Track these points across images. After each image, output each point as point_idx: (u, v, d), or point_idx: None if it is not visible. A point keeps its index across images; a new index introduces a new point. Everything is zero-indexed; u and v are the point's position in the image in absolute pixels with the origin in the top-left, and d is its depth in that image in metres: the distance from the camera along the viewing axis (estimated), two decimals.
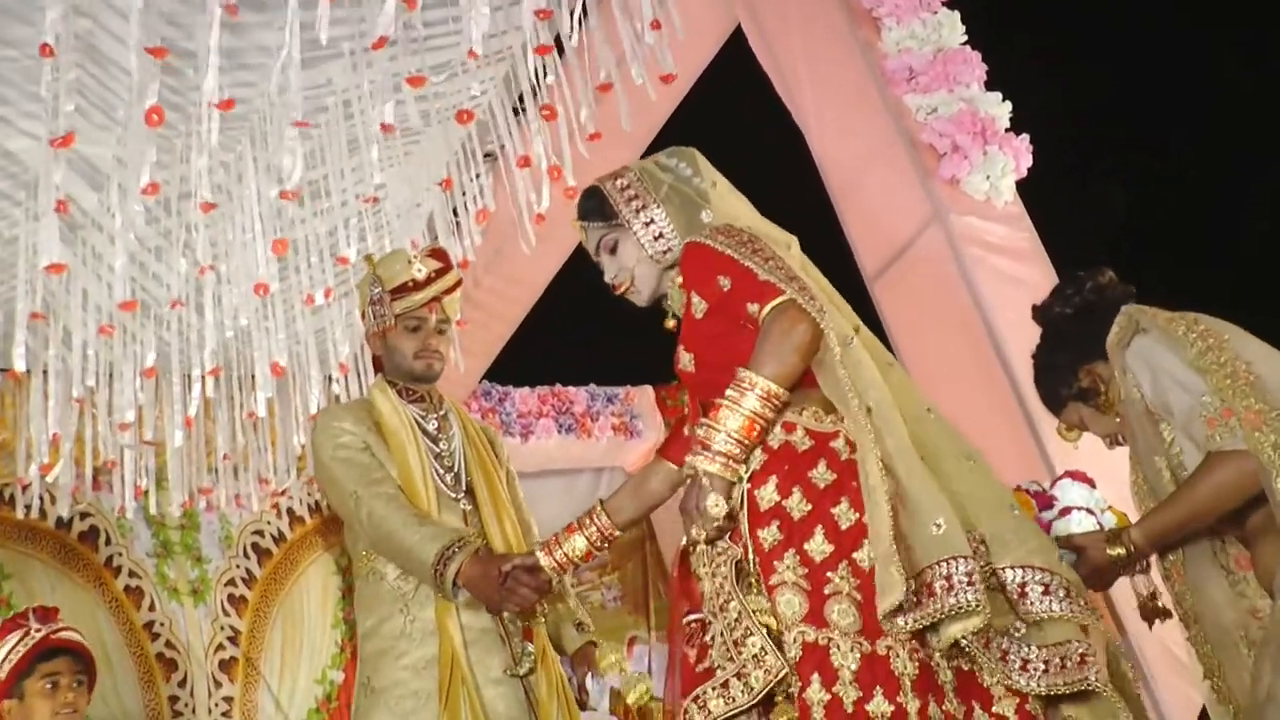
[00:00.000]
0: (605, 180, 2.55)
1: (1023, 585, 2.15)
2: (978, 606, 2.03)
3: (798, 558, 2.11)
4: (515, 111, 4.65)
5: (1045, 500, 2.58)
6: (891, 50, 3.96)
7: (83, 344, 4.53)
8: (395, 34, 4.11)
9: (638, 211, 2.45)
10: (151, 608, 5.51)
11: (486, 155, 5.03)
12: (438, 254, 3.25)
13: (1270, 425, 2.23)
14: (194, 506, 5.44)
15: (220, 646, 5.63)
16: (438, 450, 3.09)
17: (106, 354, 4.87)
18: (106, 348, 4.84)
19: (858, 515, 2.12)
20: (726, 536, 2.18)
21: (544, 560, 2.72)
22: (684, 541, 2.24)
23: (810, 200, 4.25)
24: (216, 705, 5.55)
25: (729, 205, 2.46)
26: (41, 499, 5.01)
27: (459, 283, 3.23)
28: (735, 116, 4.60)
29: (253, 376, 4.92)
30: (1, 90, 4.24)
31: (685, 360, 2.41)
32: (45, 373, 4.71)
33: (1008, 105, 3.98)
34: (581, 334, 6.47)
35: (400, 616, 2.93)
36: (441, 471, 3.06)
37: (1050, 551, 2.24)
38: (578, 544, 2.70)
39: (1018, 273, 3.81)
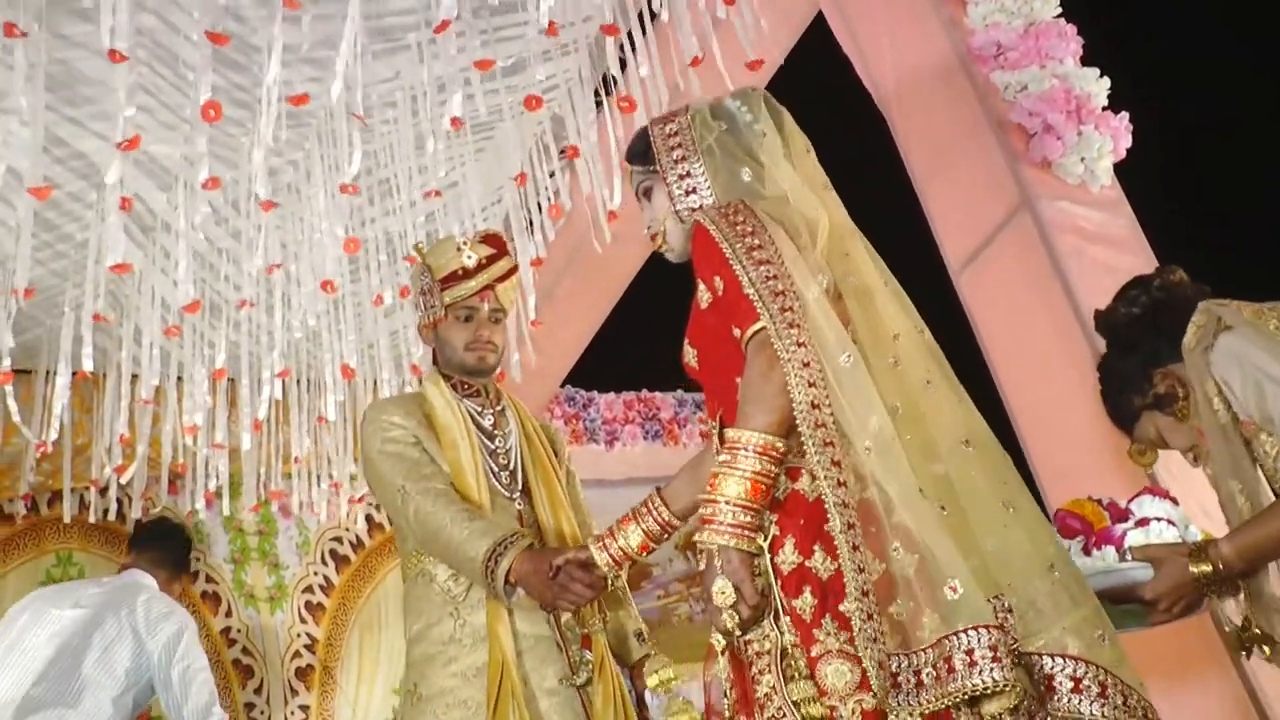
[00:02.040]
0: (657, 122, 2.36)
1: (1050, 677, 1.85)
2: (1005, 685, 1.76)
3: (835, 622, 1.90)
4: (597, 103, 4.51)
5: (1120, 513, 2.27)
6: (978, 25, 3.70)
7: (149, 345, 4.48)
8: (462, 22, 4.03)
9: (676, 162, 2.27)
10: (228, 613, 5.47)
11: (561, 152, 4.89)
12: (490, 239, 3.09)
13: None
14: (267, 510, 5.38)
15: (297, 654, 5.57)
16: (493, 447, 2.94)
17: (178, 355, 4.84)
18: (178, 349, 4.82)
19: (883, 565, 1.88)
20: (764, 620, 1.94)
21: (598, 555, 2.49)
22: (715, 638, 1.98)
23: (893, 187, 4.02)
24: (293, 714, 5.48)
25: (774, 164, 2.22)
26: (120, 502, 5.00)
27: (514, 269, 3.07)
28: (817, 102, 4.37)
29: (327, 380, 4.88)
30: (72, 90, 4.20)
31: (689, 355, 2.23)
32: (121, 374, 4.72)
33: (1105, 82, 3.68)
34: (669, 338, 6.23)
35: (450, 620, 2.76)
36: (496, 469, 2.91)
37: (1096, 624, 1.90)
38: (633, 536, 2.47)
39: (1116, 263, 3.50)
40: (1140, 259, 3.55)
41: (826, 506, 1.89)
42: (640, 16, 4.31)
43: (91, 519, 4.92)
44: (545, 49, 4.46)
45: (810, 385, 1.93)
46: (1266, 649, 2.20)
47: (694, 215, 2.20)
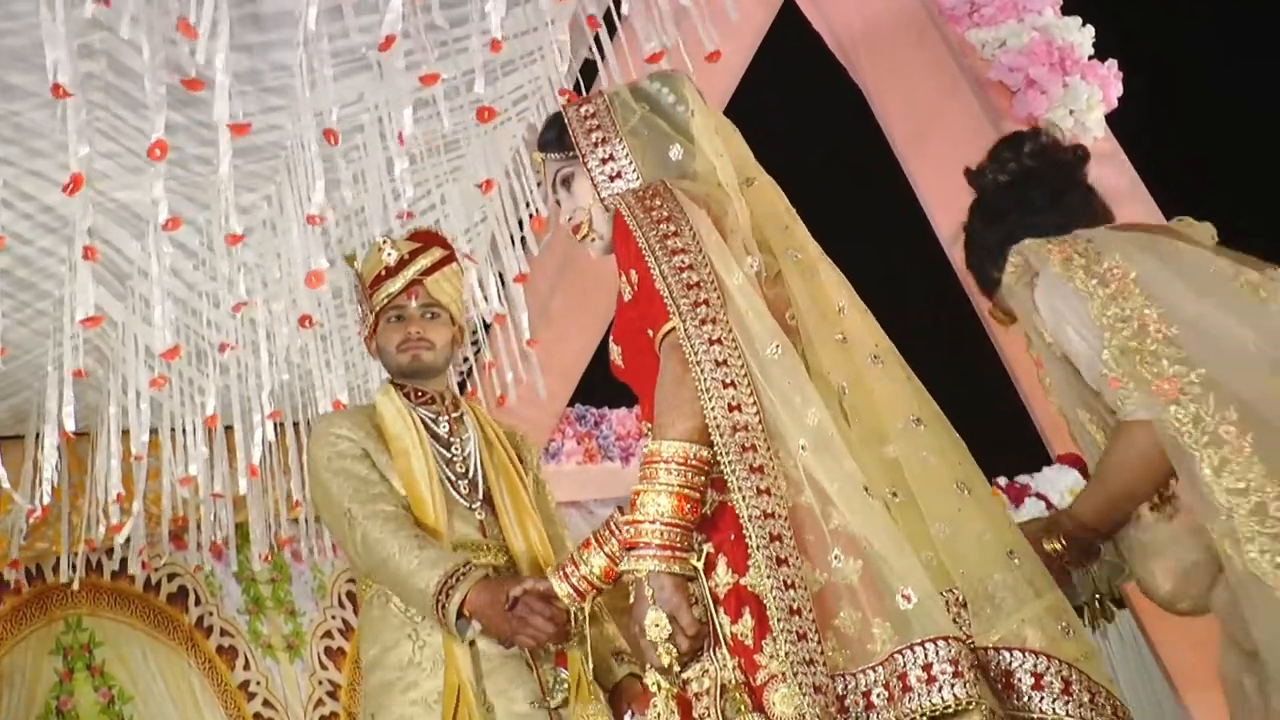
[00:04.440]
0: (571, 107, 2.22)
1: (1009, 673, 1.68)
2: (969, 702, 1.60)
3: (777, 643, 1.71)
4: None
5: (1017, 492, 2.11)
6: None
7: (136, 396, 4.37)
8: (418, 36, 3.91)
9: (596, 145, 2.12)
10: (246, 666, 5.33)
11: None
12: (418, 235, 2.96)
13: (1189, 393, 1.77)
14: (278, 557, 5.25)
15: (320, 702, 5.41)
16: (449, 455, 2.79)
17: (168, 405, 4.73)
18: (168, 399, 4.70)
19: (825, 575, 1.71)
20: (703, 653, 1.76)
21: (558, 586, 2.21)
22: (651, 678, 1.79)
23: (880, 164, 3.85)
24: None
25: (705, 140, 2.08)
26: (126, 562, 4.88)
27: (445, 260, 2.90)
28: (795, 84, 4.21)
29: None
30: (31, 143, 4.11)
31: (615, 353, 2.09)
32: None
33: (1090, 30, 3.51)
34: None
35: (409, 643, 2.58)
36: (454, 477, 2.76)
37: (1060, 615, 1.74)
38: (595, 562, 2.17)
39: (1117, 218, 3.33)
40: (1143, 210, 3.38)
41: (741, 520, 1.72)
42: (607, 15, 4.18)
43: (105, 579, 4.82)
44: (509, 59, 4.34)
45: (726, 386, 1.78)
46: (1113, 614, 2.06)
47: (616, 200, 2.05)
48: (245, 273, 4.50)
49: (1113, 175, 3.41)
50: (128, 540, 4.65)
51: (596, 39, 4.12)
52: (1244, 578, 1.74)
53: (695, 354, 1.80)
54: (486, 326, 5.01)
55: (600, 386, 6.04)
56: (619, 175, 2.10)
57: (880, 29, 3.62)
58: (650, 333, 1.90)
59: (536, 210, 4.50)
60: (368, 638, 2.67)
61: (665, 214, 1.95)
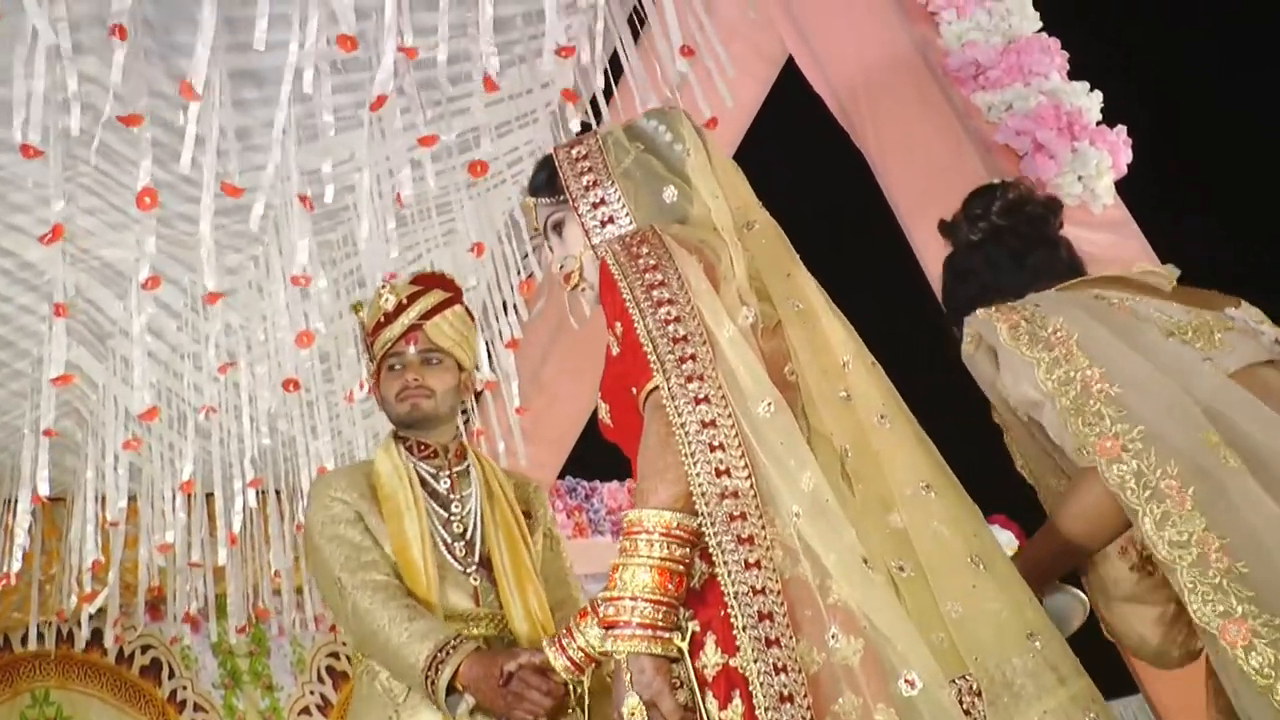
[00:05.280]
0: (563, 148, 2.08)
1: None
2: None
3: None
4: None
5: None
6: (953, 45, 3.45)
7: (114, 460, 4.24)
8: (412, 96, 3.83)
9: (588, 189, 1.98)
10: None
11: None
12: (420, 278, 2.82)
13: (1131, 450, 1.77)
14: (257, 629, 5.07)
15: None
16: (447, 515, 2.63)
17: (148, 470, 4.59)
18: (147, 463, 4.57)
19: (823, 655, 1.56)
20: None
21: (555, 659, 2.01)
22: None
23: (883, 232, 3.75)
24: None
25: (702, 181, 1.95)
26: (99, 633, 4.71)
27: (447, 302, 2.75)
28: (793, 145, 4.13)
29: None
30: (12, 197, 4.01)
31: (603, 411, 1.92)
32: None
33: (1097, 95, 3.41)
34: None
35: None
36: (450, 539, 2.59)
37: (1088, 705, 1.61)
38: (593, 633, 1.95)
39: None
40: None
41: (725, 595, 1.57)
42: (606, 75, 4.11)
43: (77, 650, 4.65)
44: (504, 120, 4.27)
45: (713, 448, 1.63)
46: None
47: (603, 249, 1.91)
48: (230, 334, 4.39)
49: (1123, 243, 3.30)
50: (102, 611, 4.49)
51: (593, 101, 4.04)
52: (1198, 629, 1.74)
53: (680, 414, 1.66)
54: (477, 394, 4.89)
55: (592, 458, 5.90)
56: (611, 220, 1.96)
57: (883, 90, 3.53)
58: (634, 390, 1.76)
59: (531, 273, 4.40)
60: (351, 714, 2.55)
61: (652, 261, 1.81)
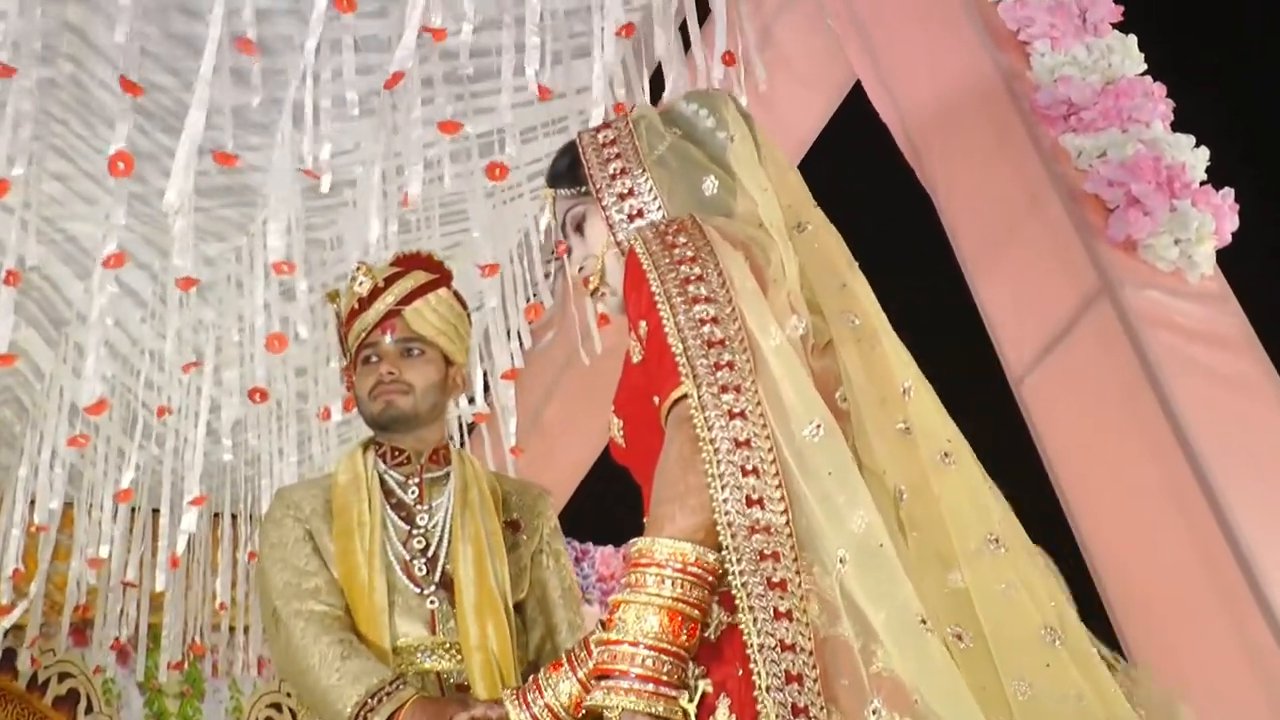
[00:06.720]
0: (588, 132, 1.88)
1: None
2: None
3: None
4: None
5: None
6: (1044, 80, 3.05)
7: (50, 457, 3.79)
8: (431, 83, 3.46)
9: (614, 178, 1.77)
10: None
11: (553, 252, 4.27)
12: (401, 259, 2.51)
13: None
14: (192, 667, 4.58)
15: None
16: (410, 528, 2.34)
17: (89, 474, 4.14)
18: (90, 467, 4.12)
19: None
20: None
21: (516, 715, 1.91)
22: None
23: (942, 283, 3.34)
24: None
25: (746, 173, 1.74)
26: (13, 653, 4.24)
27: (431, 284, 2.43)
28: (851, 183, 3.74)
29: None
30: None
31: (615, 428, 1.72)
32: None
33: (1204, 152, 3.00)
34: None
35: None
36: (408, 557, 2.31)
37: None
38: (564, 689, 1.89)
39: (1223, 368, 2.79)
40: (1253, 365, 2.84)
41: (748, 649, 1.36)
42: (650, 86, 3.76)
43: None
44: (530, 125, 3.87)
45: (746, 473, 1.43)
46: None
47: (632, 236, 1.71)
48: (199, 331, 3.98)
49: (1221, 319, 2.88)
50: (19, 627, 4.03)
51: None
52: None
53: (710, 428, 1.45)
54: (470, 428, 4.49)
55: (586, 517, 5.43)
56: (640, 213, 1.75)
57: (958, 122, 3.16)
58: (656, 400, 1.55)
59: (540, 300, 4.00)
60: None
61: (690, 253, 1.60)
